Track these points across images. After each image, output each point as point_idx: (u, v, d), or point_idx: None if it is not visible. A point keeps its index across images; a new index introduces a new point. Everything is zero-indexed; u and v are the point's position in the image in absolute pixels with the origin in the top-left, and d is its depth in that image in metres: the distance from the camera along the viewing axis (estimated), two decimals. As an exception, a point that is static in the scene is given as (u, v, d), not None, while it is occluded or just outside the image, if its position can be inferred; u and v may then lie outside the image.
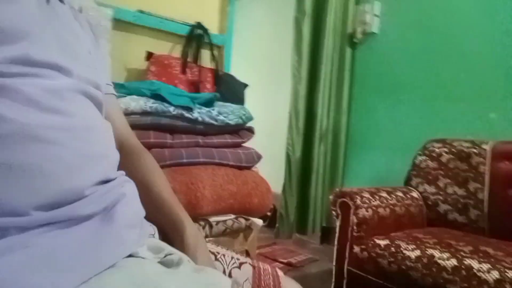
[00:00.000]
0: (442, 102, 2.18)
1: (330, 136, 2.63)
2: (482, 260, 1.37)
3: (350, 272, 1.68)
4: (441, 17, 2.24)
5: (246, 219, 1.58)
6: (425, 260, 1.44)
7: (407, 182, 2.09)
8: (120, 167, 0.60)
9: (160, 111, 1.40)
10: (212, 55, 2.08)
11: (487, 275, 1.31)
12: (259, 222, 1.61)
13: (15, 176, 0.41)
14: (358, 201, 1.72)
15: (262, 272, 0.66)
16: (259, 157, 1.60)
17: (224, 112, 1.51)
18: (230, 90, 1.99)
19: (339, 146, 2.63)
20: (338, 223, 1.76)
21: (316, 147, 2.54)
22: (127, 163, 0.64)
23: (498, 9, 2.03)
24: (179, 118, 1.40)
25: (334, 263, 1.75)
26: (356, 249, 1.66)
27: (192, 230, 0.63)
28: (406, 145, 2.22)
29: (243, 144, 1.62)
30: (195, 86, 1.94)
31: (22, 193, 0.41)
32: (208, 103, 1.53)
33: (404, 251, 1.52)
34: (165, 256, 0.55)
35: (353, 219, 1.69)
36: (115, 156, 0.58)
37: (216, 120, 1.47)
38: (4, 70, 0.44)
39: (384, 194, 1.85)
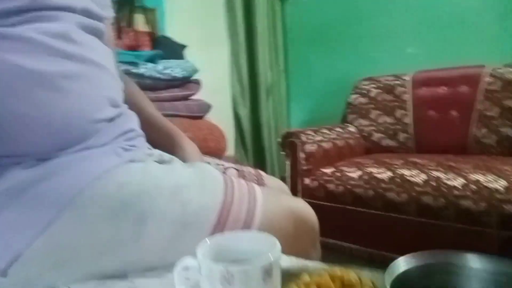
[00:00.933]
0: (366, 43, 2.39)
1: (275, 90, 2.74)
2: (411, 168, 1.62)
3: (304, 202, 1.86)
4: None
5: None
6: (365, 177, 1.66)
7: (344, 119, 2.31)
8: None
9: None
10: (146, 18, 2.07)
11: (416, 178, 1.55)
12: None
13: (37, 126, 0.47)
14: (304, 138, 1.89)
15: (246, 175, 0.77)
16: (209, 106, 1.68)
17: (170, 67, 1.56)
18: (169, 51, 2.01)
19: (282, 99, 2.77)
20: (288, 162, 1.93)
21: (264, 101, 2.65)
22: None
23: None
24: (126, 74, 1.42)
25: (289, 197, 1.92)
26: (307, 180, 1.84)
27: (185, 137, 0.73)
28: (340, 87, 2.43)
29: (192, 97, 1.69)
30: (133, 50, 1.93)
31: (45, 140, 0.48)
32: (152, 60, 1.56)
33: (348, 174, 1.72)
34: (158, 159, 0.63)
35: (301, 154, 1.86)
36: (121, 92, 0.65)
37: (163, 74, 1.51)
38: (10, 20, 0.48)
39: (325, 131, 2.04)
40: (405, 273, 0.26)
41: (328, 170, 1.80)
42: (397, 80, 2.19)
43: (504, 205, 1.32)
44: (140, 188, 0.51)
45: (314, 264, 0.48)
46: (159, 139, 0.74)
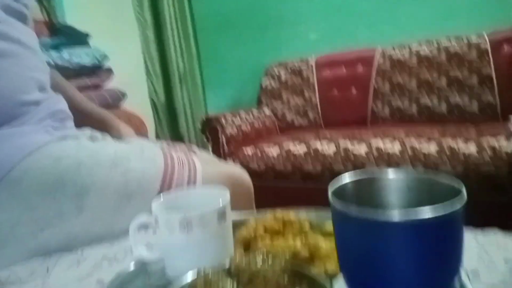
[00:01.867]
0: (274, 29, 2.51)
1: (189, 79, 2.74)
2: (323, 141, 1.77)
3: (228, 184, 1.92)
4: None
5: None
6: (283, 153, 1.78)
7: (259, 102, 2.42)
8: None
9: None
10: (42, 7, 1.89)
11: (327, 150, 1.71)
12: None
13: None
14: (224, 123, 1.93)
15: (179, 149, 0.79)
16: (123, 94, 1.62)
17: (77, 55, 1.46)
18: (72, 40, 1.88)
19: (198, 85, 2.78)
20: (210, 146, 1.96)
21: (178, 90, 2.63)
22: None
23: None
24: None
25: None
26: (230, 161, 1.89)
27: (119, 120, 0.71)
28: (253, 72, 2.52)
29: (106, 86, 1.61)
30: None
31: None
32: (55, 48, 1.45)
33: (267, 152, 1.82)
34: (91, 136, 0.62)
35: (222, 138, 1.91)
36: (48, 76, 0.62)
37: (70, 63, 1.41)
38: None
39: (243, 115, 2.12)
40: (344, 186, 0.32)
41: (249, 151, 1.87)
42: (303, 64, 2.35)
43: (401, 165, 1.53)
44: (77, 162, 0.50)
45: (256, 214, 0.53)
46: (92, 126, 0.71)
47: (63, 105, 0.63)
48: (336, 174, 1.64)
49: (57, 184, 0.48)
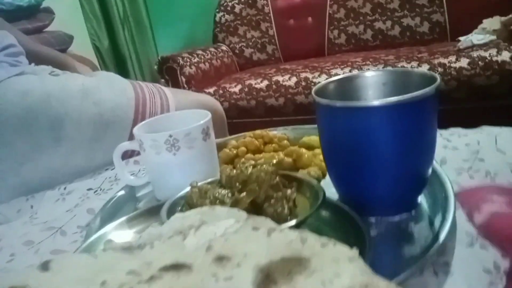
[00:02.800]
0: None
1: (132, 19, 2.55)
2: (283, 74, 1.77)
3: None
4: None
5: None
6: (246, 89, 1.77)
7: (215, 39, 2.33)
8: None
9: None
10: None
11: (288, 82, 1.72)
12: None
13: None
14: (181, 62, 1.87)
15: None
16: (69, 37, 1.50)
17: (8, -5, 1.30)
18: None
19: (144, 27, 2.60)
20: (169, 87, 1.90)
21: (121, 33, 2.46)
22: None
23: None
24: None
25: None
26: (192, 103, 1.86)
27: (77, 62, 0.67)
28: (205, 7, 2.40)
29: (48, 29, 1.47)
30: None
31: None
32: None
33: (230, 89, 1.81)
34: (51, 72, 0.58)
35: (182, 78, 1.86)
36: None
37: (3, 4, 1.27)
38: None
39: (200, 52, 2.05)
40: (325, 86, 0.33)
41: (210, 90, 1.85)
42: (258, -7, 2.26)
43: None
44: (45, 93, 0.48)
45: (236, 136, 0.54)
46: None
47: (12, 39, 0.59)
48: (298, 105, 1.69)
49: (28, 117, 0.46)
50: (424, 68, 1.50)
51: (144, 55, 2.60)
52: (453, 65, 1.47)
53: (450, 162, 0.37)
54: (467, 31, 1.63)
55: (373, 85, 0.34)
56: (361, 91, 0.35)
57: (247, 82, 1.79)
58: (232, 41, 2.30)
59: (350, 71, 1.64)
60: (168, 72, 1.89)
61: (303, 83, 1.69)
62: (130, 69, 2.51)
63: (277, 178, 0.32)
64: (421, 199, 0.32)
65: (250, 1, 2.26)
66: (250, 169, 0.34)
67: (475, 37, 1.56)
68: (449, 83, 1.46)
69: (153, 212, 0.35)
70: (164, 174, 0.40)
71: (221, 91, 1.82)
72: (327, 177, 0.35)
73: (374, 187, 0.30)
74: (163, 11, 2.60)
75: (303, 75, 1.71)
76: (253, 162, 0.36)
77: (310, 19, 2.16)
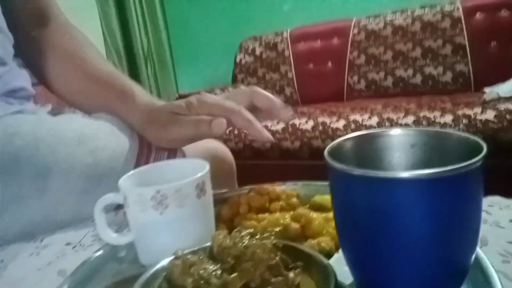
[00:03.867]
0: (244, 1, 2.41)
1: (156, 56, 2.62)
2: (300, 117, 1.74)
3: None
4: None
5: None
6: (261, 131, 1.73)
7: (234, 79, 2.35)
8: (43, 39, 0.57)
9: None
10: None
11: (305, 125, 1.68)
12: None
13: None
14: (197, 100, 1.86)
15: None
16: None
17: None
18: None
19: (167, 64, 2.66)
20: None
21: (143, 69, 2.51)
22: (53, 34, 0.60)
23: None
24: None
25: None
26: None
27: (144, 95, 0.55)
28: (226, 47, 2.44)
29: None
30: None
31: None
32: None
33: (245, 131, 1.78)
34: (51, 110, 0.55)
35: (197, 116, 1.84)
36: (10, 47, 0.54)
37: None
38: None
39: (218, 91, 2.05)
40: (341, 145, 0.28)
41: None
42: (278, 37, 2.29)
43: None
44: (35, 138, 0.44)
45: (239, 189, 0.49)
46: (104, 101, 0.55)
47: (25, 82, 0.55)
48: (314, 150, 1.63)
49: (12, 164, 0.42)
50: (448, 119, 1.44)
51: (165, 92, 2.64)
52: (478, 117, 1.40)
53: (493, 244, 0.30)
54: (491, 83, 1.58)
55: (399, 146, 0.29)
56: (385, 153, 0.29)
57: (263, 124, 1.76)
58: (251, 82, 2.30)
59: (369, 117, 1.59)
60: (184, 110, 1.88)
61: (320, 128, 1.65)
62: (149, 105, 2.53)
63: (278, 257, 0.26)
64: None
65: (271, 45, 2.29)
66: (246, 241, 0.28)
67: (502, 89, 1.49)
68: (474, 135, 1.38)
69: (128, 284, 0.29)
70: (149, 235, 0.34)
71: (236, 132, 1.79)
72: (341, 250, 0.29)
73: (399, 278, 0.24)
74: (186, 50, 2.66)
75: (320, 119, 1.67)
76: (251, 229, 0.30)
77: (329, 63, 2.15)
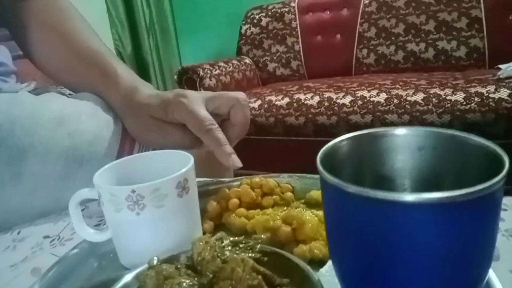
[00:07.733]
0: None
1: (158, 27, 2.54)
2: (306, 92, 1.68)
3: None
4: None
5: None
6: (266, 106, 1.69)
7: (239, 51, 2.27)
8: (27, 9, 0.53)
9: None
10: None
11: (311, 101, 1.62)
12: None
13: None
14: (201, 73, 1.81)
15: None
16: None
17: None
18: None
19: (170, 35, 2.58)
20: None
21: (146, 39, 2.44)
22: (37, 5, 0.56)
23: None
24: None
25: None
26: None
27: (128, 79, 0.50)
28: (231, 18, 2.35)
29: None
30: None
31: None
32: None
33: (249, 105, 1.73)
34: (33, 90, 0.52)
35: (201, 90, 1.79)
36: None
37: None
38: None
39: (222, 64, 1.99)
40: (336, 148, 0.24)
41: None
42: (285, 7, 2.19)
43: (386, 115, 1.47)
44: (10, 120, 0.41)
45: (231, 180, 0.46)
46: (87, 80, 0.52)
47: (4, 58, 0.52)
48: (319, 126, 1.58)
49: None
50: (459, 97, 1.38)
51: (167, 64, 2.58)
52: (491, 95, 1.34)
53: (504, 259, 0.27)
54: (507, 60, 1.50)
55: (404, 149, 0.25)
56: (387, 156, 0.25)
57: (267, 98, 1.71)
58: (256, 54, 2.23)
59: (377, 94, 1.53)
60: (187, 83, 1.83)
61: (326, 103, 1.59)
62: (152, 77, 2.49)
63: (260, 277, 0.23)
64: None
65: (277, 15, 2.19)
66: (227, 252, 0.25)
67: (518, 67, 1.42)
68: (486, 115, 1.32)
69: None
70: (126, 236, 0.31)
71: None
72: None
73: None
74: (189, 20, 2.58)
75: (326, 94, 1.62)
76: (235, 238, 0.27)
77: (338, 36, 2.07)
